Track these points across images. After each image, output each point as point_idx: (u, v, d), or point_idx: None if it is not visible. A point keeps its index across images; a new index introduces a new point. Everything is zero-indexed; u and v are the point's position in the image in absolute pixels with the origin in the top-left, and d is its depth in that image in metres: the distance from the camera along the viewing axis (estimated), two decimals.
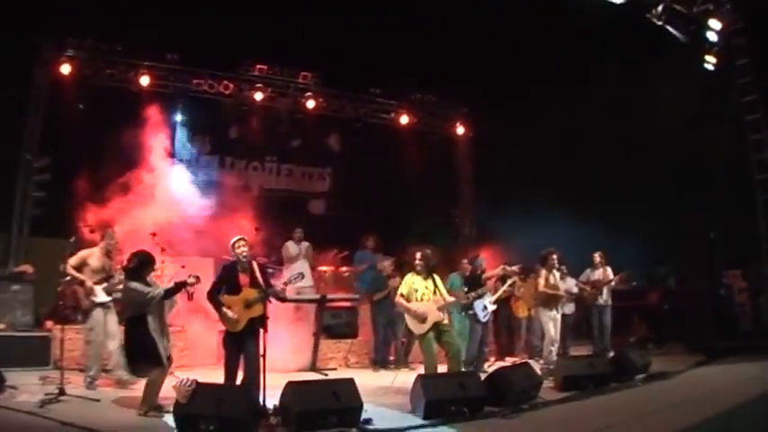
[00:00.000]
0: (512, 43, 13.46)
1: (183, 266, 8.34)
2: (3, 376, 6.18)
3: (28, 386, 6.40)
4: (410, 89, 14.62)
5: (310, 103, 13.63)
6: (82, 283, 7.02)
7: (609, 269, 10.41)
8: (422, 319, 7.11)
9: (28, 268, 8.93)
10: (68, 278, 8.28)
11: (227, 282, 6.20)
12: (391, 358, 9.38)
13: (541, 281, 8.49)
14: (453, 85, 14.27)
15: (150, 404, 5.59)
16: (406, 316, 7.32)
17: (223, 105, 13.39)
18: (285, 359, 8.20)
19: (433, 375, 6.42)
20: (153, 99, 12.10)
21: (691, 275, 10.97)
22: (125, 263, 6.17)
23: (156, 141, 10.92)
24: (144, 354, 5.60)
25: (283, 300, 6.65)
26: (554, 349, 8.30)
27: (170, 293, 5.98)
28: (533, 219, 13.24)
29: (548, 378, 7.38)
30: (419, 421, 5.36)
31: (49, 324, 8.26)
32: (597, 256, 10.55)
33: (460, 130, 15.32)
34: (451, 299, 7.68)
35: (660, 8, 8.75)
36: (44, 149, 11.59)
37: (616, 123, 14.00)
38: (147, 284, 5.83)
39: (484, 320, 8.78)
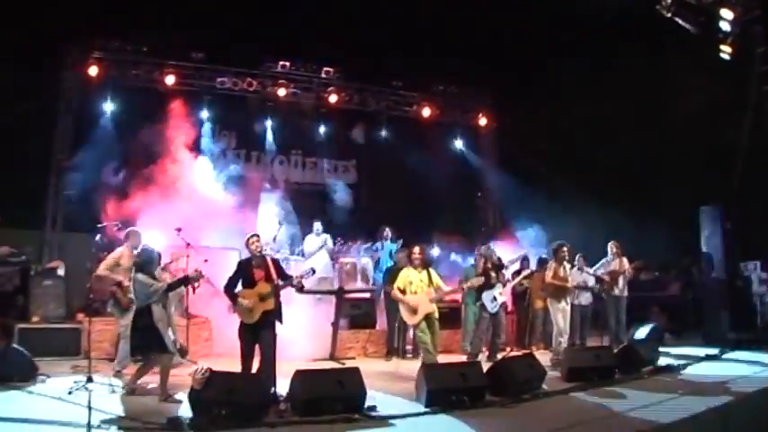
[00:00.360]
0: (535, 32, 13.68)
1: (206, 261, 8.75)
2: (35, 365, 6.72)
3: (59, 374, 6.93)
4: (432, 81, 14.88)
5: (333, 98, 14.00)
6: (119, 283, 7.41)
7: (625, 259, 10.48)
8: (413, 310, 7.70)
9: (59, 264, 9.48)
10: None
11: (242, 276, 6.62)
12: (409, 347, 9.77)
13: (549, 273, 8.74)
14: (476, 75, 14.52)
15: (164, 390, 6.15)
16: (401, 306, 7.88)
17: (248, 101, 13.87)
18: (305, 349, 8.62)
19: (436, 365, 6.75)
20: (179, 97, 12.72)
21: (707, 266, 11.04)
22: (135, 257, 6.74)
23: (182, 138, 11.57)
24: (147, 341, 6.11)
25: (300, 289, 7.06)
26: (563, 340, 8.52)
27: (173, 287, 6.44)
28: (557, 207, 13.55)
29: (557, 369, 7.67)
30: (421, 409, 5.68)
31: (79, 316, 8.81)
32: (613, 247, 10.58)
33: (483, 120, 15.52)
34: (447, 288, 8.18)
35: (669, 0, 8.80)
36: (74, 149, 12.28)
37: (641, 111, 14.12)
38: (154, 278, 6.34)
39: (493, 311, 8.97)
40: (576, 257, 10.63)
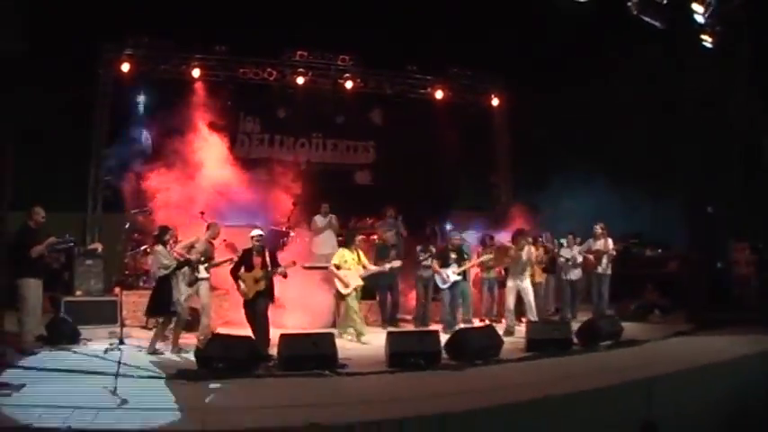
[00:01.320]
0: (546, 13, 14.66)
1: (225, 241, 10.33)
2: (78, 331, 8.54)
3: (98, 338, 8.71)
4: (446, 64, 16.06)
5: (349, 84, 15.45)
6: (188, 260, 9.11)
7: (609, 240, 11.71)
8: (345, 284, 9.76)
9: (98, 246, 11.28)
10: (133, 252, 10.73)
11: (244, 262, 8.44)
12: (408, 317, 11.31)
13: (511, 252, 10.30)
14: (488, 58, 15.61)
15: (175, 344, 8.07)
16: (335, 280, 9.82)
17: (270, 89, 15.40)
18: (310, 319, 10.23)
19: (399, 332, 8.32)
20: (205, 88, 14.42)
21: (691, 247, 12.16)
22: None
23: (208, 125, 13.22)
24: (162, 303, 8.14)
25: (285, 276, 8.76)
26: (509, 315, 10.18)
27: (179, 266, 8.42)
28: (568, 186, 14.70)
29: (509, 337, 9.12)
30: (383, 368, 7.23)
31: (116, 290, 10.61)
32: (599, 228, 11.81)
33: (495, 101, 16.79)
34: (373, 268, 10.30)
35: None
36: (111, 138, 14.08)
37: (647, 94, 14.96)
38: (168, 255, 8.43)
39: (443, 287, 10.67)
40: (567, 236, 12.00)
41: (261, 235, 8.82)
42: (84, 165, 13.80)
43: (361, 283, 9.92)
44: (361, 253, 10.23)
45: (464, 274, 10.98)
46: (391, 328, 9.78)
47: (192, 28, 14.02)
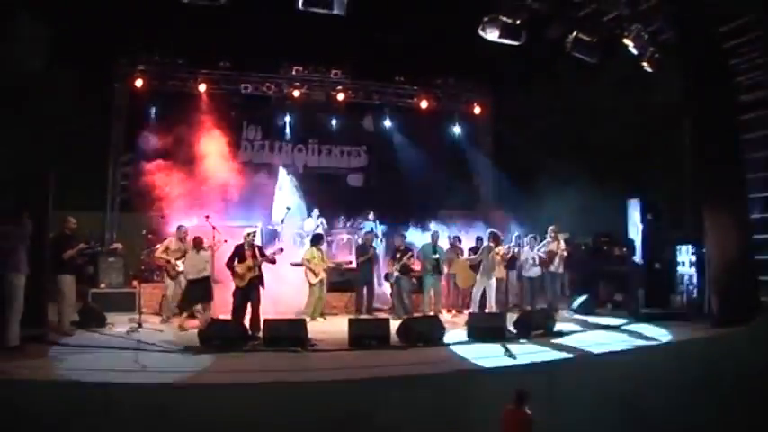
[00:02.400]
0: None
1: (226, 241, 12.53)
2: (104, 316, 10.90)
3: (120, 323, 11.03)
4: (431, 75, 18.19)
5: (341, 96, 17.63)
6: (168, 261, 11.81)
7: (562, 242, 13.86)
8: (315, 273, 12.26)
9: (118, 245, 13.63)
10: (147, 250, 13.11)
11: (238, 255, 10.67)
12: (385, 307, 13.55)
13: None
14: (471, 69, 17.66)
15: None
16: (307, 271, 12.22)
17: (270, 100, 17.68)
18: (299, 307, 12.46)
19: (358, 319, 10.66)
20: (210, 100, 16.75)
21: (629, 251, 14.15)
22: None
23: (214, 134, 15.56)
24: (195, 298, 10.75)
25: (273, 262, 11.12)
26: (475, 306, 12.41)
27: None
28: (545, 186, 16.81)
29: None
30: (345, 347, 9.52)
31: (134, 283, 12.95)
32: (550, 231, 13.92)
33: (477, 109, 18.95)
34: (331, 264, 13.09)
35: (570, 40, 11.67)
36: (126, 146, 16.43)
37: (619, 101, 16.87)
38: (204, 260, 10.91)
39: (390, 281, 13.12)
40: (528, 237, 14.16)
41: (253, 232, 11.14)
42: (103, 169, 16.19)
43: (324, 275, 12.49)
44: (324, 252, 12.82)
45: (438, 269, 13.21)
46: (365, 317, 12.09)
47: (198, 47, 16.15)
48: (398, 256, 12.98)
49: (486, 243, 12.79)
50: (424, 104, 18.34)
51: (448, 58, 16.81)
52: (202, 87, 16.78)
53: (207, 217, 12.90)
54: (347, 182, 18.97)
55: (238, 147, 17.44)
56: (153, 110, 16.83)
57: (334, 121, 18.60)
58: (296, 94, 17.42)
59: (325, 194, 17.02)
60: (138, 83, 16.37)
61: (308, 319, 10.85)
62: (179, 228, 12.37)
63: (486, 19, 10.92)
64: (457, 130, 19.27)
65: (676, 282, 13.53)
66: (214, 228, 12.39)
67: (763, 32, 12.15)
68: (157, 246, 12.29)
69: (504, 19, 10.66)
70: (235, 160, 16.04)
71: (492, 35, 11.09)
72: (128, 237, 14.74)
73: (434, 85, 18.49)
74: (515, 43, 11.27)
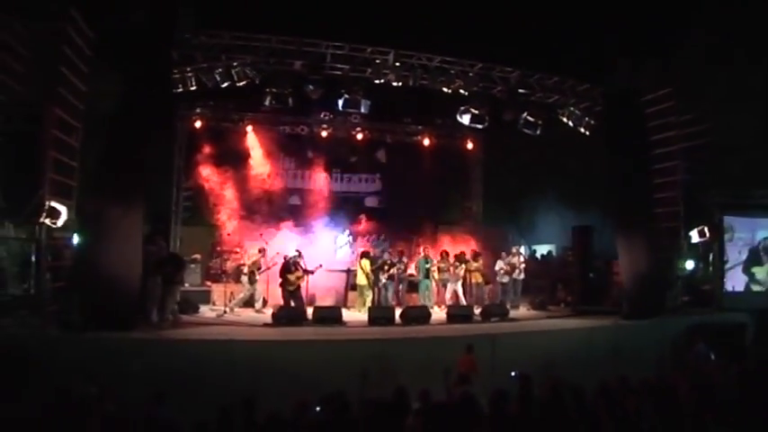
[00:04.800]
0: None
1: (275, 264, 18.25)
2: (197, 305, 16.61)
3: (204, 312, 16.75)
4: (432, 117, 23.66)
5: (360, 135, 23.33)
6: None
7: (522, 256, 19.54)
8: (367, 275, 17.73)
9: (198, 256, 19.41)
10: (215, 258, 18.89)
11: (287, 268, 16.35)
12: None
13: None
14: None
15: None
16: (361, 273, 17.75)
17: (302, 137, 23.36)
18: (329, 301, 18.22)
19: (374, 307, 16.45)
20: (255, 137, 22.48)
21: (574, 261, 20.09)
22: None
23: (258, 164, 21.43)
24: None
25: (312, 273, 16.80)
26: (451, 302, 18.10)
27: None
28: (527, 207, 22.69)
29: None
30: (365, 324, 15.29)
31: (207, 283, 18.75)
32: (513, 248, 19.68)
33: (470, 145, 24.65)
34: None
35: (521, 120, 17.71)
36: (187, 174, 22.09)
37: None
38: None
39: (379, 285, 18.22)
40: (503, 252, 19.83)
41: (296, 254, 16.79)
42: (169, 192, 21.67)
43: (366, 281, 17.93)
44: (369, 261, 18.04)
45: (427, 274, 18.79)
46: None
47: (245, 95, 21.50)
48: (387, 267, 18.36)
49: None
50: (426, 141, 24.01)
51: (445, 105, 22.38)
52: (249, 129, 22.45)
53: (261, 234, 18.77)
54: (364, 203, 24.63)
55: (277, 174, 23.12)
56: (208, 144, 22.34)
57: (353, 155, 24.20)
58: (324, 134, 23.10)
59: (347, 213, 22.72)
60: (197, 123, 21.96)
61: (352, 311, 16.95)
62: (260, 249, 17.73)
63: (461, 108, 16.77)
64: (453, 161, 24.94)
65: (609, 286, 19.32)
66: (267, 242, 18.27)
67: (675, 102, 17.93)
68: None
69: (473, 110, 16.47)
70: (273, 186, 21.98)
71: (465, 120, 16.92)
72: (190, 246, 20.50)
73: (435, 125, 23.90)
74: (480, 126, 17.26)
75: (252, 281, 17.11)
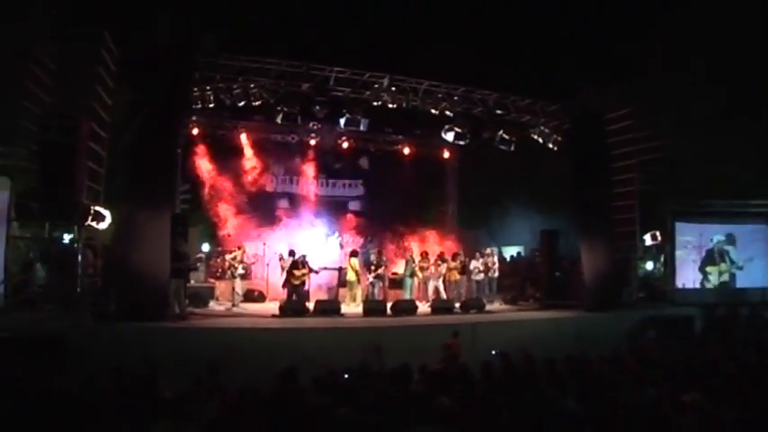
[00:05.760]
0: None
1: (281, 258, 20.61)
2: (207, 300, 18.79)
3: (211, 306, 18.97)
4: (412, 128, 25.95)
5: (345, 144, 25.62)
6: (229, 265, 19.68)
7: (495, 258, 22.14)
8: (355, 272, 20.00)
9: (202, 255, 21.54)
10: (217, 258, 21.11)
11: (295, 265, 18.65)
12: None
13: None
14: (440, 125, 25.69)
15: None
16: (350, 271, 20.05)
17: (291, 145, 25.54)
18: (322, 295, 20.52)
19: (368, 301, 18.81)
20: (248, 146, 24.66)
21: (542, 262, 22.65)
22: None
23: (250, 170, 23.67)
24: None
25: (316, 273, 19.26)
26: (431, 297, 20.44)
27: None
28: (498, 211, 25.24)
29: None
30: (360, 315, 17.64)
31: (210, 280, 20.93)
32: (487, 250, 22.26)
33: (446, 154, 27.13)
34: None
35: (497, 138, 20.28)
36: (184, 178, 23.98)
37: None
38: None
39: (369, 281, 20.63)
40: (477, 253, 22.29)
41: (304, 255, 19.06)
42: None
43: (355, 277, 20.16)
44: (357, 260, 20.27)
45: (412, 272, 21.17)
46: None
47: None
48: (373, 267, 20.68)
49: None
50: (406, 150, 26.38)
51: (423, 117, 24.80)
52: (243, 137, 24.59)
53: (259, 235, 21.03)
54: (348, 206, 26.91)
55: (268, 179, 25.32)
56: (205, 150, 24.37)
57: (338, 161, 26.46)
58: (312, 142, 25.35)
59: (332, 215, 25.00)
60: (194, 131, 24.03)
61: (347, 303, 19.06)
62: (239, 246, 20.16)
63: (446, 127, 19.27)
64: (431, 168, 27.37)
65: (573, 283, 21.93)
66: (264, 243, 20.63)
67: (633, 121, 20.61)
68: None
69: (456, 129, 18.97)
70: (264, 189, 24.27)
71: (449, 137, 19.40)
72: (190, 246, 22.57)
73: (414, 135, 26.19)
74: (462, 143, 19.78)
75: (233, 275, 19.32)
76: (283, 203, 25.33)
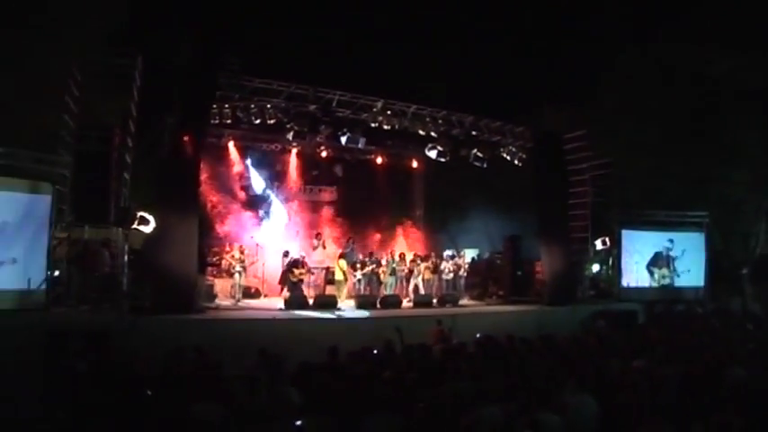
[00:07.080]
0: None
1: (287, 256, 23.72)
2: (214, 296, 21.67)
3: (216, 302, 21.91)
4: (384, 139, 29.04)
5: (324, 153, 28.72)
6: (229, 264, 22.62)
7: (465, 258, 25.61)
8: (343, 272, 23.07)
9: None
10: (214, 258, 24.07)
11: (294, 265, 21.73)
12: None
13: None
14: (410, 138, 29.00)
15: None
16: (338, 271, 23.18)
17: (273, 154, 28.49)
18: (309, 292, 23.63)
19: (360, 296, 22.07)
20: (235, 152, 27.53)
21: (504, 263, 26.20)
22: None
23: (236, 176, 26.64)
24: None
25: (312, 273, 22.47)
26: (412, 293, 23.81)
27: None
28: (463, 216, 28.68)
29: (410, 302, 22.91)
30: (353, 308, 20.89)
31: (209, 278, 23.73)
32: (461, 252, 25.73)
33: (415, 164, 30.53)
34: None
35: (472, 155, 24.02)
36: None
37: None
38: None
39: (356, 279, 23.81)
40: (445, 254, 25.68)
41: (302, 256, 22.21)
42: None
43: (343, 276, 23.02)
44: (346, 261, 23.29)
45: (393, 271, 24.44)
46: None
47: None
48: (359, 266, 23.80)
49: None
50: (379, 160, 29.66)
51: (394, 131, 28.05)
52: (231, 144, 27.44)
53: (252, 237, 24.07)
54: (322, 212, 29.79)
55: (252, 185, 28.24)
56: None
57: (315, 169, 29.46)
58: (293, 151, 28.42)
59: (307, 220, 28.15)
60: (186, 139, 26.71)
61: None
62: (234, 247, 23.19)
63: (429, 145, 22.78)
64: (400, 176, 30.75)
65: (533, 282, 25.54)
66: (257, 244, 23.75)
67: (588, 141, 24.37)
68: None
69: (438, 147, 22.46)
70: (248, 194, 27.31)
71: (432, 154, 22.97)
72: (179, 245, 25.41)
73: (386, 146, 29.31)
74: (443, 160, 23.43)
75: (232, 273, 22.07)
76: (266, 207, 28.15)
